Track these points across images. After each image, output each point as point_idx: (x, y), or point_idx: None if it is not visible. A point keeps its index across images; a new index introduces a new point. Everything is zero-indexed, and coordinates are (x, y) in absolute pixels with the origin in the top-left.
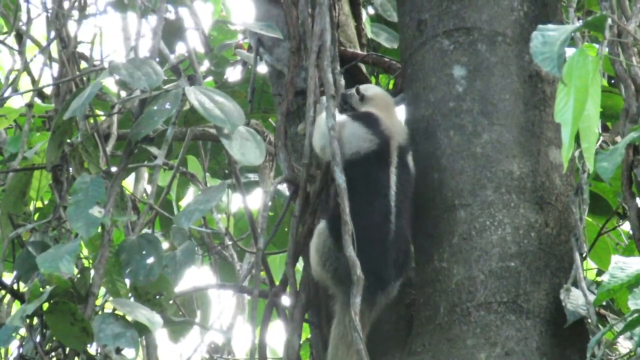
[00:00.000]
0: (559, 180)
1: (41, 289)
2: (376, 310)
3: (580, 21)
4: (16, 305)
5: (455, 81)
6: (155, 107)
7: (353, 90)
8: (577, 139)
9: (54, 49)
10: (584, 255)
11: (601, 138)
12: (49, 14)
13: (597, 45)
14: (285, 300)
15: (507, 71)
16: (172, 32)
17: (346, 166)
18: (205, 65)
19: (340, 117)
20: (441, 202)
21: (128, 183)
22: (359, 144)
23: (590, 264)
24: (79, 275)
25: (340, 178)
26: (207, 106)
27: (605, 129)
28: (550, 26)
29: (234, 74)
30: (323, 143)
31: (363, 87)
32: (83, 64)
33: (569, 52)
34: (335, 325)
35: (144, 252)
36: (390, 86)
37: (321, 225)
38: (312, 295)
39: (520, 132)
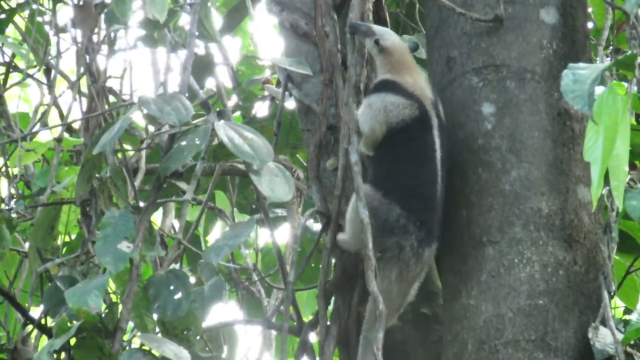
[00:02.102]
0: (587, 218)
1: (69, 324)
2: (420, 267)
3: (609, 59)
4: (44, 340)
5: (484, 118)
6: (185, 142)
7: (373, 37)
8: (606, 177)
9: (83, 83)
10: (612, 293)
11: (630, 176)
12: (79, 48)
13: (626, 84)
14: (314, 337)
15: (535, 108)
16: (201, 67)
17: (393, 134)
18: (234, 99)
19: (369, 97)
20: (470, 238)
21: (156, 218)
22: (400, 112)
23: (618, 302)
24: (106, 310)
25: (363, 213)
26: (236, 142)
27: (634, 167)
28: (580, 64)
29: (262, 109)
30: (370, 125)
31: (381, 36)
32: (112, 98)
33: (598, 90)
34: (380, 280)
35: (171, 287)
36: None
37: (365, 188)
38: (342, 330)
39: (548, 169)
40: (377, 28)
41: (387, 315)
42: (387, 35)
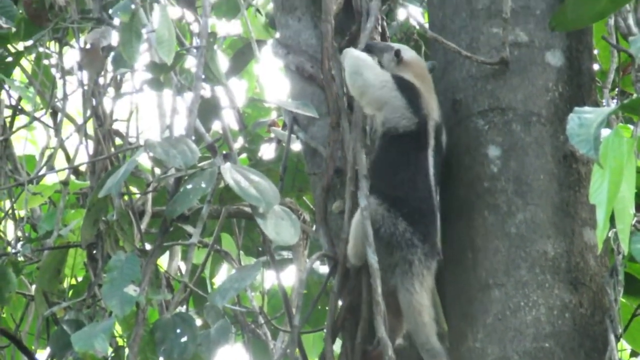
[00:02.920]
0: (593, 261)
1: None
2: (431, 279)
3: (615, 101)
4: None
5: (490, 161)
6: (191, 186)
7: (392, 51)
8: (611, 219)
9: (90, 125)
10: (618, 336)
11: (635, 219)
12: (85, 91)
13: (631, 127)
14: None
15: (541, 151)
16: (207, 109)
17: (388, 138)
18: (240, 142)
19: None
20: (475, 281)
21: (162, 261)
22: (399, 120)
23: (624, 345)
24: (113, 354)
25: (373, 259)
26: (242, 185)
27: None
28: (586, 108)
29: (268, 151)
30: (365, 88)
31: (401, 48)
32: (118, 140)
33: (604, 132)
34: (404, 293)
35: (178, 331)
36: None
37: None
38: None
39: (554, 212)
40: (395, 44)
41: (433, 323)
42: (406, 49)
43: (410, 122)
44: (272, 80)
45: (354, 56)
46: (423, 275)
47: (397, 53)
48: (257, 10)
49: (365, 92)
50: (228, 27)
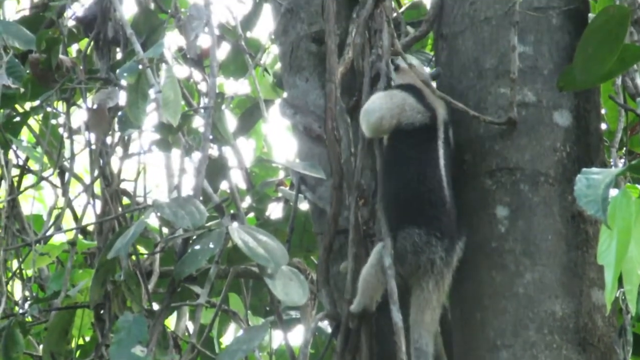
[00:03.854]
0: (601, 321)
1: None
2: (450, 273)
3: (622, 161)
4: None
5: (497, 221)
6: (199, 246)
7: (389, 63)
8: (619, 280)
9: (97, 185)
10: None
11: None
12: (92, 151)
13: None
14: None
15: (549, 211)
16: (215, 170)
17: (399, 135)
18: (247, 201)
19: (383, 91)
20: (484, 341)
21: (170, 321)
22: (414, 115)
23: None
24: None
25: (397, 317)
26: (250, 245)
27: None
28: (594, 169)
29: (276, 210)
30: (381, 113)
31: (400, 57)
32: (125, 200)
33: (612, 192)
34: (419, 292)
35: None
36: None
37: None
38: None
39: (562, 272)
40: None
41: (433, 325)
42: (405, 59)
43: (425, 116)
44: (280, 139)
45: (363, 108)
46: (442, 274)
47: (392, 61)
48: (265, 70)
49: (383, 115)
50: (236, 87)
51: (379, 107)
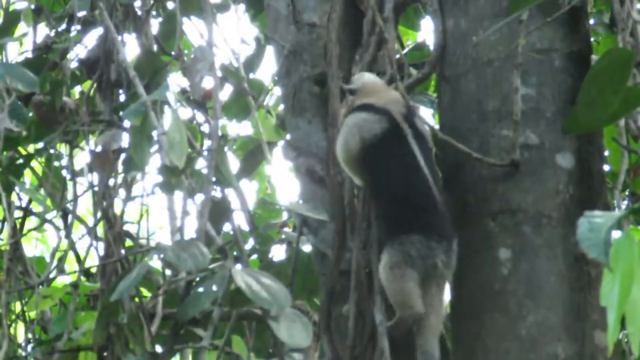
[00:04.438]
0: None
1: None
2: (451, 273)
3: (625, 202)
4: None
5: (500, 263)
6: (202, 289)
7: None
8: (622, 322)
9: (100, 226)
10: None
11: None
12: (96, 193)
13: None
14: None
15: (552, 253)
16: (218, 212)
17: (370, 151)
18: (250, 242)
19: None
20: None
21: None
22: (372, 126)
23: None
24: None
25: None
26: (254, 288)
27: None
28: (596, 212)
29: (279, 252)
30: (344, 139)
31: (351, 83)
32: (128, 241)
33: (615, 234)
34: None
35: None
36: None
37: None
38: None
39: (565, 314)
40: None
41: (438, 328)
42: (356, 79)
43: (382, 120)
44: (283, 181)
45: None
46: (443, 277)
47: (345, 90)
48: (268, 111)
49: (346, 139)
50: (239, 128)
51: (340, 137)
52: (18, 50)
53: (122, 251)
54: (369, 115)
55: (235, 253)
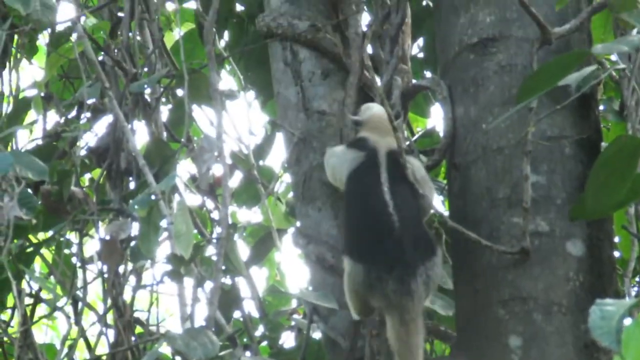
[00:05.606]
0: None
1: None
2: (417, 297)
3: (636, 289)
4: None
5: (511, 351)
6: None
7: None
8: None
9: (110, 313)
10: None
11: None
12: (106, 280)
13: None
14: None
15: (562, 341)
16: (228, 300)
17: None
18: (260, 329)
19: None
20: None
21: None
22: (352, 162)
23: None
24: None
25: None
26: None
27: None
28: (607, 301)
29: (289, 339)
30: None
31: (360, 113)
32: (139, 328)
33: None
34: (390, 329)
35: None
36: (447, 352)
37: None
38: None
39: None
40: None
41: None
42: (364, 110)
43: (362, 157)
44: (293, 268)
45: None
46: (404, 306)
47: (351, 122)
48: (278, 199)
49: (334, 172)
50: (249, 215)
51: (331, 164)
52: (28, 137)
53: (133, 339)
54: (352, 152)
55: (245, 340)
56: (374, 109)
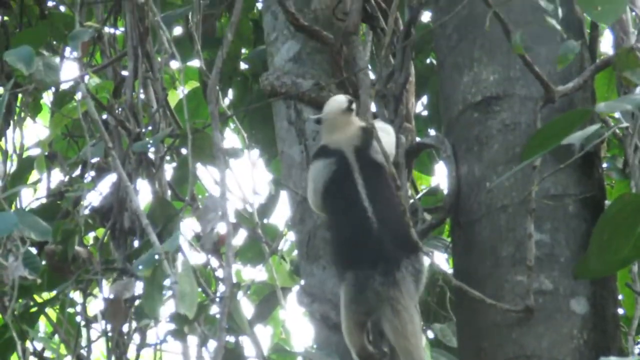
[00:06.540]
0: None
1: None
2: (405, 288)
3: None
4: None
5: None
6: None
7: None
8: None
9: None
10: None
11: None
12: (110, 339)
13: None
14: None
15: None
16: (231, 359)
17: (323, 196)
18: None
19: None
20: None
21: None
22: (324, 173)
23: None
24: None
25: None
26: None
27: None
28: (612, 359)
29: None
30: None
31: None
32: None
33: None
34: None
35: None
36: None
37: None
38: None
39: None
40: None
41: (409, 347)
42: (325, 106)
43: (332, 166)
44: (298, 326)
45: None
46: (393, 298)
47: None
48: (282, 257)
49: (312, 193)
50: (253, 273)
51: (308, 190)
52: (32, 195)
53: None
54: (320, 162)
55: None
56: (330, 104)
